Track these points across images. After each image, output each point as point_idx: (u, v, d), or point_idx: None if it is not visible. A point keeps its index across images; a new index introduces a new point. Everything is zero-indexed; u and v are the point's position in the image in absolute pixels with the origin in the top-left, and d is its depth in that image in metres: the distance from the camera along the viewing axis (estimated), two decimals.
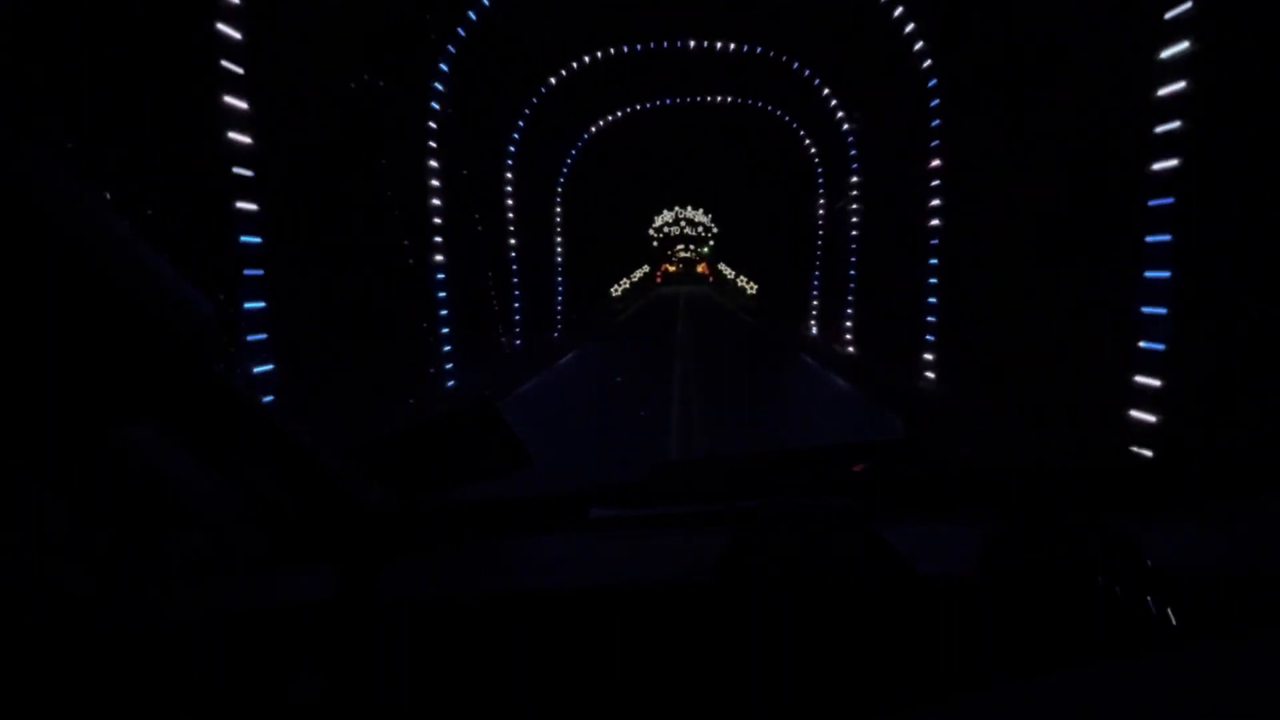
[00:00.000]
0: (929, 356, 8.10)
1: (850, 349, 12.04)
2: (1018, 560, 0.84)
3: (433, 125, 8.41)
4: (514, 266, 12.46)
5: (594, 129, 15.37)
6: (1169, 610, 0.75)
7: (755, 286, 29.98)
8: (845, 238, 12.21)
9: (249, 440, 0.90)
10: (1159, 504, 1.07)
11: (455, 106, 8.98)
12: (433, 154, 8.46)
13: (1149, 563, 0.82)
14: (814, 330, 14.93)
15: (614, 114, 14.92)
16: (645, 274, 43.30)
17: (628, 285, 35.28)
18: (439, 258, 8.58)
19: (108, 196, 3.75)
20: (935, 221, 7.84)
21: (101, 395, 0.76)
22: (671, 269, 49.80)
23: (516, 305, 12.57)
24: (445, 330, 8.75)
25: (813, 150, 14.69)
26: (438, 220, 8.61)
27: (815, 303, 15.04)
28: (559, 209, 16.03)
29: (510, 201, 12.44)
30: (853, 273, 12.12)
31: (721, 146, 18.78)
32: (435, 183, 8.53)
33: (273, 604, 0.90)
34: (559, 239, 16.09)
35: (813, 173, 14.84)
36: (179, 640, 0.83)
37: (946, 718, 0.58)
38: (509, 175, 12.36)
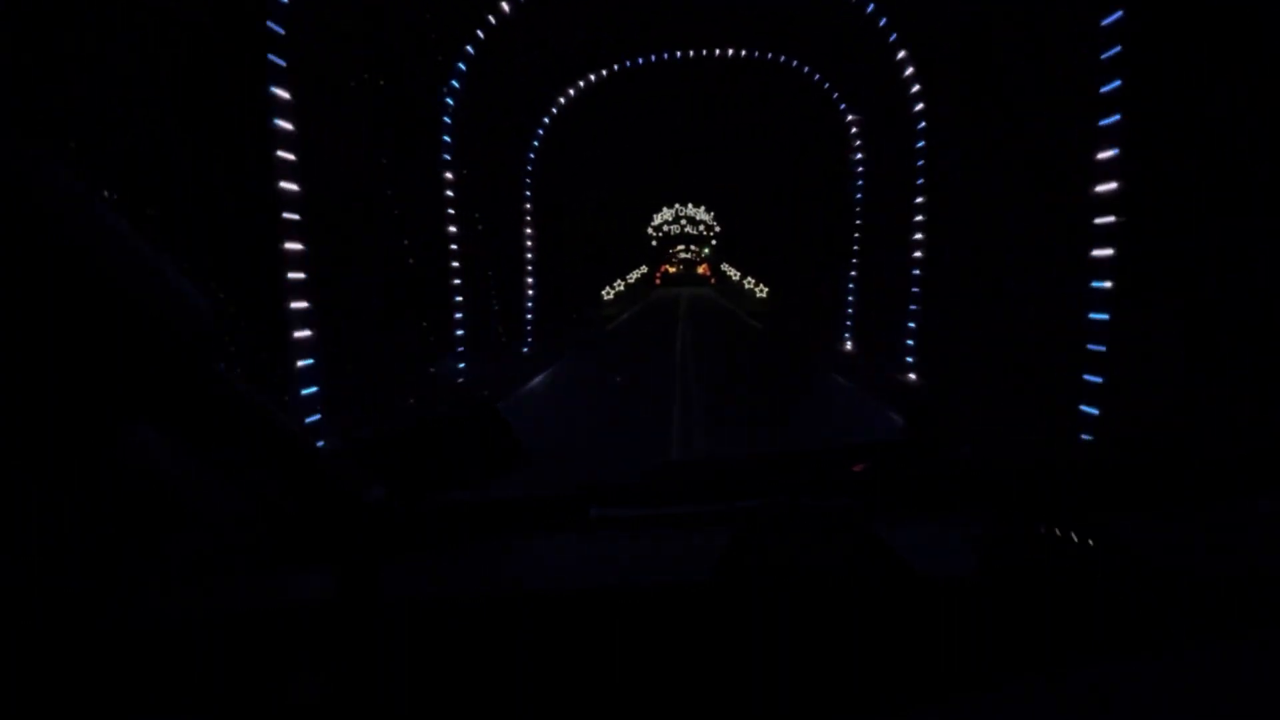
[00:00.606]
0: (1092, 411, 4.73)
1: (910, 375, 8.63)
2: (1018, 560, 0.84)
3: (276, 29, 5.04)
4: (453, 264, 8.87)
5: (571, 91, 11.82)
6: (1169, 610, 0.75)
7: (765, 289, 26.06)
8: (903, 225, 8.65)
9: (249, 440, 0.90)
10: (1159, 504, 1.07)
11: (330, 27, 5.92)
12: (277, 77, 5.05)
13: (1149, 563, 0.82)
14: (849, 345, 11.60)
15: (597, 71, 11.57)
16: (643, 275, 39.79)
17: (622, 287, 31.37)
18: (295, 246, 5.10)
19: (108, 196, 3.75)
20: (1110, 185, 4.62)
21: (101, 395, 0.76)
22: (671, 270, 48.65)
23: (459, 316, 8.89)
24: (306, 361, 5.20)
25: (850, 116, 11.12)
26: (292, 186, 5.08)
27: (850, 310, 11.64)
28: (528, 193, 12.32)
29: (448, 175, 8.76)
30: (917, 272, 8.45)
31: (729, 116, 14.89)
32: (285, 125, 5.07)
33: (273, 604, 0.90)
34: (528, 230, 12.37)
35: (848, 144, 11.29)
36: (179, 640, 0.83)
37: (946, 718, 0.58)
38: (446, 139, 8.73)
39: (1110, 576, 0.80)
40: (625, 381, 10.70)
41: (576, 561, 1.01)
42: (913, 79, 8.41)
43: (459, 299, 9.02)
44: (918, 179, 8.47)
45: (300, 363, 5.22)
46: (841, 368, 10.65)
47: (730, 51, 11.16)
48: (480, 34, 8.74)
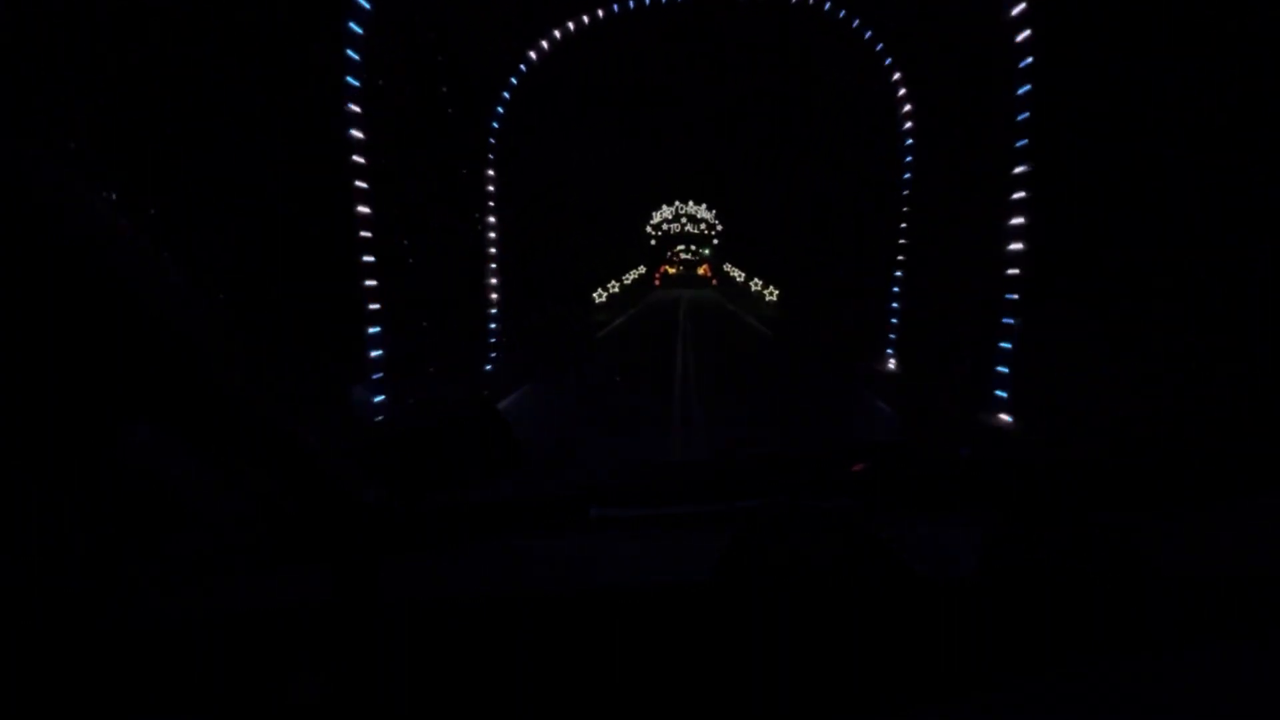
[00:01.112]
0: None
1: (1003, 416, 5.81)
2: (1018, 560, 0.84)
3: None
4: (365, 259, 6.22)
5: (546, 44, 8.96)
6: (1169, 610, 0.75)
7: (776, 292, 22.13)
8: (985, 211, 6.11)
9: (249, 440, 0.90)
10: (1159, 504, 1.07)
11: None
12: None
13: (1149, 563, 0.82)
14: (891, 364, 8.92)
15: (578, 18, 8.79)
16: (640, 276, 35.31)
17: (616, 289, 26.69)
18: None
19: (111, 196, 3.75)
20: None
21: (102, 395, 0.76)
22: (672, 271, 47.73)
23: (375, 330, 6.31)
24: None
25: (898, 74, 8.36)
26: None
27: (895, 321, 8.91)
28: (491, 172, 9.33)
29: (358, 134, 6.11)
30: (1015, 272, 5.73)
31: (738, 81, 11.98)
32: None
33: (273, 604, 0.90)
34: (492, 219, 9.39)
35: (893, 113, 8.55)
36: (179, 640, 0.83)
37: (946, 718, 0.58)
38: (352, 81, 6.07)
39: (1110, 576, 0.80)
40: (624, 383, 9.86)
41: (576, 561, 1.01)
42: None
43: (374, 307, 6.35)
44: (1013, 148, 5.77)
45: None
46: (884, 392, 8.48)
47: None
48: None
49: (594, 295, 22.15)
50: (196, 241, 4.76)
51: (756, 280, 26.74)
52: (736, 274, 33.99)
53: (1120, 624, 0.74)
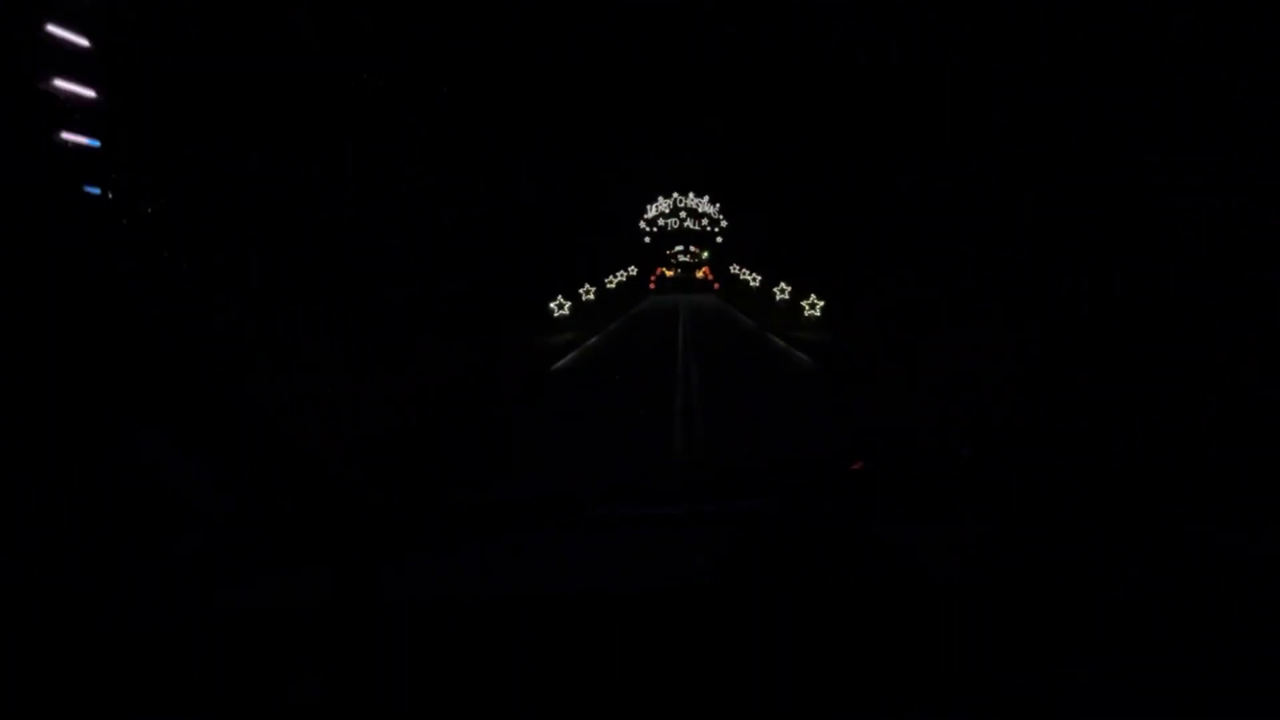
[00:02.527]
0: None
1: None
2: (1018, 560, 0.84)
3: None
4: None
5: None
6: (1169, 610, 0.75)
7: (819, 303, 15.10)
8: None
9: (249, 441, 0.90)
10: (1159, 504, 1.07)
11: None
12: None
13: (1149, 563, 0.82)
14: None
15: None
16: (631, 278, 29.87)
17: (591, 296, 19.22)
18: None
19: (109, 197, 3.74)
20: None
21: (102, 396, 0.76)
22: (669, 273, 42.54)
23: None
24: None
25: None
26: None
27: None
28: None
29: None
30: None
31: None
32: None
33: (273, 604, 0.90)
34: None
35: None
36: (179, 640, 0.83)
37: (946, 718, 0.58)
38: None
39: (1110, 576, 0.80)
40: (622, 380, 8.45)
41: (577, 561, 1.01)
42: None
43: None
44: None
45: None
46: None
47: None
48: None
49: (552, 307, 15.77)
50: None
51: (783, 286, 19.53)
52: (749, 277, 26.56)
53: (1119, 624, 0.74)
